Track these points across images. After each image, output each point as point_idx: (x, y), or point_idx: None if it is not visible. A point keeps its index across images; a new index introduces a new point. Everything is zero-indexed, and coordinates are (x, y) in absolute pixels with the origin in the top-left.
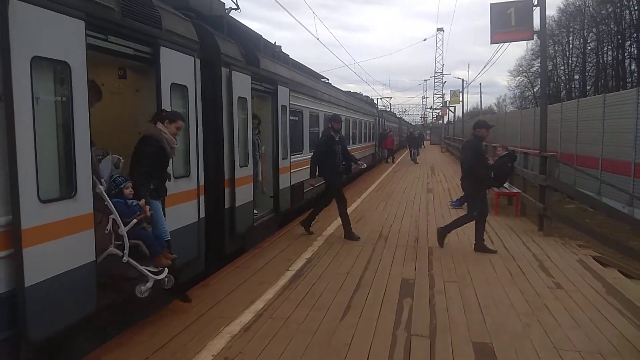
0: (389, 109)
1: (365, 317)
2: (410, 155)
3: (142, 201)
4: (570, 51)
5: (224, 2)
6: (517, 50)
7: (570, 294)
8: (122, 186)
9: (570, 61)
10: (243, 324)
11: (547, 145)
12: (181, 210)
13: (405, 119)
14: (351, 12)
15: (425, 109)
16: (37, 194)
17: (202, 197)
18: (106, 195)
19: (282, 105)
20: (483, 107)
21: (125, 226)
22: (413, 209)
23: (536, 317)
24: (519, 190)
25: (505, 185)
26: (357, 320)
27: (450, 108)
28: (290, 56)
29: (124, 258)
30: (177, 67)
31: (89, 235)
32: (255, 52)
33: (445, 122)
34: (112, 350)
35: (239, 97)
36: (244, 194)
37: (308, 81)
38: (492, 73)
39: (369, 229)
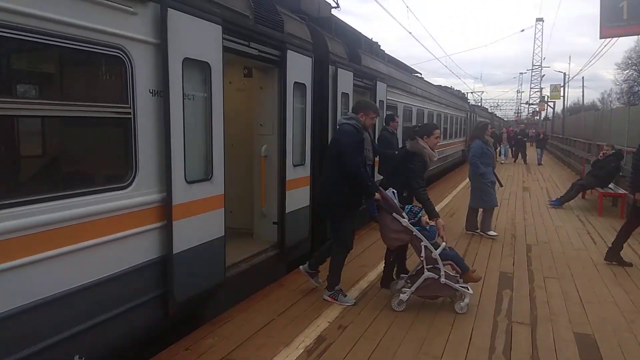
0: (479, 104)
1: None
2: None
3: (439, 220)
4: None
5: (328, 2)
6: (626, 41)
7: None
8: (420, 215)
9: None
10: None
11: None
12: (298, 194)
13: (497, 115)
14: (442, 2)
15: (520, 104)
16: (185, 176)
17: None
18: (412, 226)
19: (379, 100)
20: (585, 102)
21: (436, 250)
22: (509, 207)
23: None
24: (625, 192)
25: (611, 186)
26: None
27: (549, 103)
28: (385, 52)
29: (442, 279)
30: (299, 68)
31: (220, 214)
32: (357, 49)
33: (542, 118)
34: (243, 310)
35: (342, 93)
36: None
37: (402, 76)
38: (596, 66)
39: (463, 224)
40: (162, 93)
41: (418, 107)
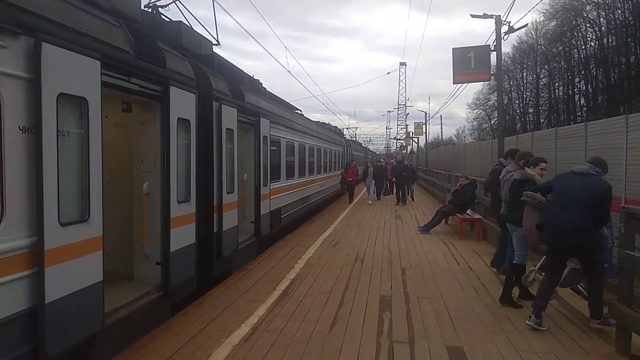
0: (355, 139)
1: (351, 328)
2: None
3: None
4: (525, 86)
5: (209, 39)
6: (475, 85)
7: (529, 307)
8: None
9: (524, 95)
10: (242, 336)
11: None
12: (183, 232)
13: (370, 149)
14: (318, 44)
15: (390, 139)
16: (58, 218)
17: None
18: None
19: (263, 136)
20: (444, 137)
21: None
22: (384, 234)
23: (500, 326)
24: (480, 217)
25: (468, 212)
26: (344, 330)
27: (414, 139)
28: (267, 89)
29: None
30: (183, 104)
31: (98, 257)
32: (240, 86)
33: (408, 151)
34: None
35: (227, 129)
36: (230, 219)
37: (285, 113)
38: (451, 105)
39: (345, 253)
40: (33, 130)
41: (300, 142)
